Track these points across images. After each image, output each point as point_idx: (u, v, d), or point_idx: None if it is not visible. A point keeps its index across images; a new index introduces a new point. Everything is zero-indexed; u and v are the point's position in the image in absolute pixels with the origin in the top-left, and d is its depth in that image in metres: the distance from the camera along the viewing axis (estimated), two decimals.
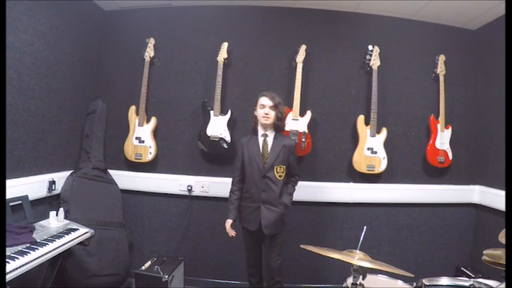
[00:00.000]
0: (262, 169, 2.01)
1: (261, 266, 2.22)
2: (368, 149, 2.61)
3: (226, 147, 2.59)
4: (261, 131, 2.08)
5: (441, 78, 2.70)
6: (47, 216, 1.98)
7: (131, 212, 2.76)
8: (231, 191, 2.15)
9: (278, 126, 2.07)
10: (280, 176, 2.03)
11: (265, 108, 2.01)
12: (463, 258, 2.75)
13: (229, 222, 2.09)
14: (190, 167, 2.74)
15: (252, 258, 2.18)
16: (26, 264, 1.42)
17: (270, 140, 2.06)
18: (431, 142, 2.68)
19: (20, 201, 1.91)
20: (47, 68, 2.21)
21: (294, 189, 2.14)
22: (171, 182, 2.72)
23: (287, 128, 2.53)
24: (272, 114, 2.02)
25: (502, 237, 1.47)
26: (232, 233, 2.10)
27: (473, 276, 2.29)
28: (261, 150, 2.05)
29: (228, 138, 2.59)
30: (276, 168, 2.02)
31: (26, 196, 1.97)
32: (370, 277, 1.66)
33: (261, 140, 2.07)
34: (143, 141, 2.67)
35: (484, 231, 2.67)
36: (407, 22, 2.78)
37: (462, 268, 2.50)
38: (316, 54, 2.72)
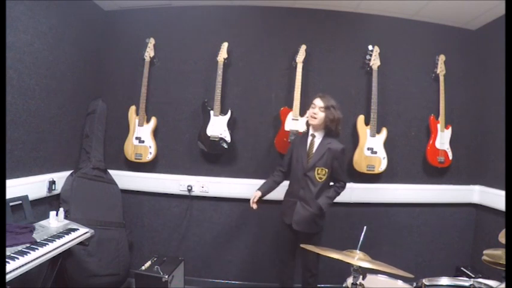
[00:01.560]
0: (305, 168, 2.05)
1: (293, 266, 2.23)
2: (368, 149, 2.61)
3: (226, 147, 2.59)
4: (310, 131, 2.12)
5: (441, 78, 2.70)
6: (47, 216, 1.98)
7: (131, 212, 2.76)
8: (272, 174, 2.25)
9: (329, 128, 2.05)
10: (320, 178, 2.04)
11: (315, 109, 2.04)
12: (463, 258, 2.75)
13: (256, 194, 2.14)
14: (190, 167, 2.74)
15: (284, 252, 2.20)
16: (26, 264, 1.41)
17: (316, 141, 2.08)
18: (431, 142, 2.68)
19: (20, 201, 1.91)
20: (47, 68, 2.21)
21: (336, 194, 2.10)
22: (171, 182, 2.72)
23: (287, 128, 2.53)
24: (320, 115, 2.02)
25: (502, 237, 1.47)
26: (254, 205, 2.12)
27: (473, 276, 2.29)
28: (307, 149, 2.08)
29: (228, 138, 2.59)
30: (317, 169, 2.03)
31: (26, 196, 1.97)
32: (370, 277, 1.66)
33: (309, 139, 2.10)
34: (143, 141, 2.67)
35: (484, 231, 2.67)
36: (407, 22, 2.77)
37: (462, 268, 2.50)
38: (316, 54, 2.72)
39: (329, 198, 2.06)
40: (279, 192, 2.23)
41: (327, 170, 2.04)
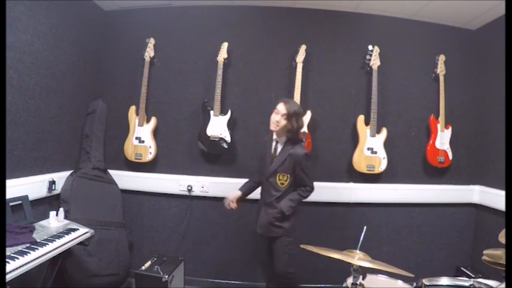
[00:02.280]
0: (267, 173, 2.04)
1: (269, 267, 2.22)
2: (368, 149, 2.61)
3: (226, 147, 2.59)
4: (274, 136, 2.09)
5: (441, 78, 2.70)
6: (47, 216, 1.98)
7: (131, 212, 2.76)
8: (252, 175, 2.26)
9: (289, 138, 2.00)
10: (282, 184, 2.00)
11: (277, 115, 1.98)
12: (463, 258, 2.74)
13: (237, 193, 2.15)
14: (190, 167, 2.74)
15: (261, 255, 2.21)
16: (26, 264, 1.42)
17: (279, 147, 2.05)
18: (431, 142, 2.68)
19: (20, 201, 1.91)
20: (47, 68, 2.21)
21: (300, 197, 2.03)
22: (171, 182, 2.72)
23: None
24: (282, 123, 1.96)
25: (502, 237, 1.47)
26: (233, 204, 2.12)
27: (473, 276, 2.29)
28: (271, 154, 2.07)
29: (228, 138, 2.59)
30: (279, 175, 2.00)
31: (26, 196, 1.97)
32: (370, 277, 1.66)
33: (273, 144, 2.09)
34: (143, 141, 2.67)
35: (484, 231, 2.67)
36: (407, 22, 2.77)
37: (462, 268, 2.50)
38: (316, 54, 2.72)
39: (291, 201, 2.00)
40: None
41: (288, 175, 1.99)
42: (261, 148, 2.20)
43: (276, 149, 2.06)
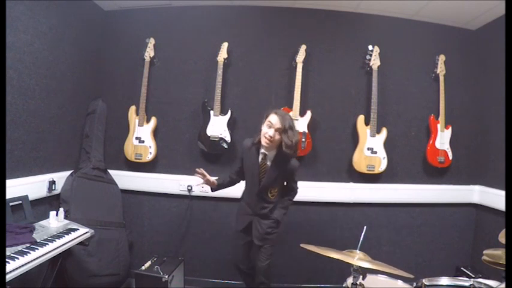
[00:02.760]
0: (257, 189, 1.95)
1: (250, 261, 2.16)
2: (368, 149, 2.61)
3: (226, 147, 2.59)
4: (261, 149, 1.92)
5: (441, 78, 2.70)
6: (47, 216, 1.98)
7: (131, 212, 2.76)
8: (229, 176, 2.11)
9: (285, 153, 1.82)
10: (273, 196, 1.97)
11: (270, 129, 1.81)
12: (463, 258, 2.75)
13: (213, 179, 2.02)
14: (190, 167, 2.72)
15: (240, 254, 2.12)
16: (26, 264, 1.42)
17: (268, 162, 1.90)
18: (431, 142, 2.68)
19: (20, 201, 1.91)
20: (47, 68, 2.21)
21: (290, 203, 2.05)
22: (171, 182, 2.72)
23: None
24: (276, 138, 1.81)
25: (502, 237, 1.47)
26: (200, 171, 1.97)
27: (473, 276, 2.29)
28: (258, 169, 1.92)
29: (228, 138, 2.59)
30: (270, 189, 1.95)
31: (26, 196, 1.97)
32: (370, 277, 1.66)
33: (260, 157, 1.93)
34: (143, 141, 2.67)
35: (484, 231, 2.67)
36: (407, 22, 2.77)
37: (462, 268, 2.50)
38: (316, 54, 2.72)
39: (284, 209, 2.01)
40: None
41: (278, 188, 1.97)
42: (244, 153, 2.02)
43: (264, 163, 1.91)
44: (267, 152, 1.91)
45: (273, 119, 1.82)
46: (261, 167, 1.92)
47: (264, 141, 1.84)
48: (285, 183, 2.03)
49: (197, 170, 1.99)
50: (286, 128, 1.79)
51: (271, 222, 1.99)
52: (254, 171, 1.94)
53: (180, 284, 2.45)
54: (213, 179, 2.05)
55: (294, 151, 1.83)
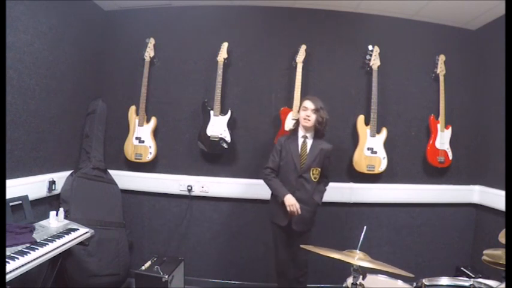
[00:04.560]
0: (300, 170, 2.07)
1: (289, 262, 2.20)
2: (368, 149, 2.61)
3: (226, 147, 2.59)
4: (301, 133, 2.14)
5: (441, 78, 2.70)
6: (47, 216, 1.98)
7: (131, 212, 2.76)
8: (267, 175, 2.13)
9: (318, 130, 2.12)
10: (315, 178, 2.11)
11: (307, 111, 2.09)
12: (463, 258, 2.75)
13: (289, 196, 2.01)
14: (190, 167, 2.74)
15: (283, 253, 2.17)
16: (26, 264, 1.41)
17: (309, 142, 2.12)
18: (431, 142, 2.68)
19: (20, 201, 1.91)
20: (47, 68, 2.21)
21: (325, 189, 2.20)
22: (171, 182, 2.72)
23: (287, 128, 2.53)
24: (313, 117, 2.08)
25: (502, 237, 1.47)
26: (298, 206, 2.00)
27: (473, 276, 2.29)
28: (299, 151, 2.10)
29: (228, 138, 2.59)
30: (313, 170, 2.10)
31: (26, 196, 1.96)
32: (370, 277, 1.66)
33: (300, 141, 2.13)
34: (143, 141, 2.67)
35: (484, 231, 2.67)
36: (407, 22, 2.77)
37: (462, 268, 2.50)
38: (316, 54, 2.72)
39: (321, 193, 2.17)
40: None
41: (320, 169, 2.13)
42: (282, 145, 2.14)
43: (305, 144, 2.12)
44: (307, 134, 2.14)
45: (307, 103, 2.11)
46: (302, 149, 2.11)
47: (303, 122, 2.10)
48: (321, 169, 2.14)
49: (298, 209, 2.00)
50: (319, 108, 2.09)
51: (315, 206, 2.11)
52: (295, 157, 2.09)
53: (180, 284, 2.45)
54: (290, 194, 2.04)
55: (324, 126, 2.13)
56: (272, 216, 2.18)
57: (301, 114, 2.12)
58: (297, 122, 2.19)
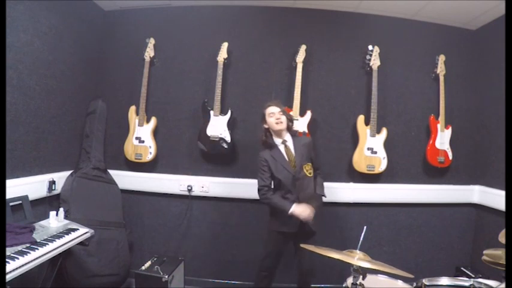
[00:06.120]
0: (294, 172, 2.05)
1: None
2: (368, 149, 2.61)
3: (226, 147, 2.59)
4: (278, 140, 2.12)
5: (441, 78, 2.70)
6: (47, 216, 1.98)
7: (131, 212, 2.76)
8: (264, 194, 2.07)
9: (291, 128, 2.15)
10: (310, 173, 2.11)
11: (275, 115, 2.09)
12: (463, 258, 2.74)
13: (295, 207, 1.97)
14: (190, 167, 2.74)
15: (275, 261, 2.18)
16: (26, 264, 1.42)
17: (290, 145, 2.12)
18: (431, 142, 2.68)
19: (20, 201, 1.91)
20: (47, 68, 2.21)
21: (323, 180, 2.22)
22: (171, 182, 2.72)
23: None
24: (283, 118, 2.09)
25: (502, 237, 1.47)
26: (308, 210, 1.96)
27: (473, 276, 2.29)
28: (285, 157, 2.08)
29: (228, 138, 2.59)
30: (305, 166, 2.10)
31: (26, 196, 1.97)
32: (370, 277, 1.66)
33: (282, 148, 2.11)
34: (143, 141, 2.67)
35: (484, 231, 2.67)
36: (407, 22, 2.77)
37: (462, 268, 2.50)
38: (316, 54, 2.72)
39: (322, 184, 2.18)
40: None
41: (310, 163, 2.13)
42: (266, 160, 2.09)
43: (287, 148, 2.10)
44: (284, 138, 2.13)
45: (272, 108, 2.11)
46: (287, 154, 2.10)
47: (277, 127, 2.08)
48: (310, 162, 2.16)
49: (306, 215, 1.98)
50: (283, 109, 2.13)
51: (320, 199, 2.13)
52: (285, 163, 2.08)
53: (180, 284, 2.44)
54: (300, 207, 2.01)
55: (292, 121, 2.17)
56: (279, 226, 2.10)
57: (272, 121, 2.08)
58: (265, 134, 2.13)
